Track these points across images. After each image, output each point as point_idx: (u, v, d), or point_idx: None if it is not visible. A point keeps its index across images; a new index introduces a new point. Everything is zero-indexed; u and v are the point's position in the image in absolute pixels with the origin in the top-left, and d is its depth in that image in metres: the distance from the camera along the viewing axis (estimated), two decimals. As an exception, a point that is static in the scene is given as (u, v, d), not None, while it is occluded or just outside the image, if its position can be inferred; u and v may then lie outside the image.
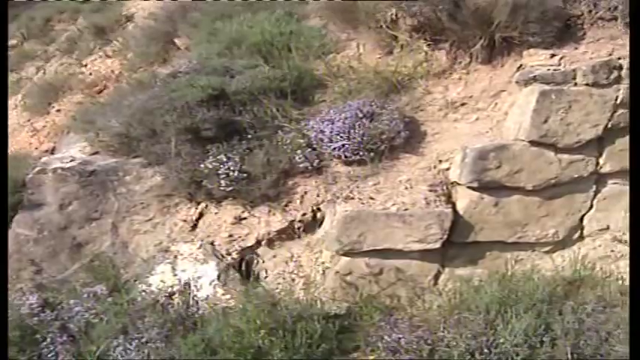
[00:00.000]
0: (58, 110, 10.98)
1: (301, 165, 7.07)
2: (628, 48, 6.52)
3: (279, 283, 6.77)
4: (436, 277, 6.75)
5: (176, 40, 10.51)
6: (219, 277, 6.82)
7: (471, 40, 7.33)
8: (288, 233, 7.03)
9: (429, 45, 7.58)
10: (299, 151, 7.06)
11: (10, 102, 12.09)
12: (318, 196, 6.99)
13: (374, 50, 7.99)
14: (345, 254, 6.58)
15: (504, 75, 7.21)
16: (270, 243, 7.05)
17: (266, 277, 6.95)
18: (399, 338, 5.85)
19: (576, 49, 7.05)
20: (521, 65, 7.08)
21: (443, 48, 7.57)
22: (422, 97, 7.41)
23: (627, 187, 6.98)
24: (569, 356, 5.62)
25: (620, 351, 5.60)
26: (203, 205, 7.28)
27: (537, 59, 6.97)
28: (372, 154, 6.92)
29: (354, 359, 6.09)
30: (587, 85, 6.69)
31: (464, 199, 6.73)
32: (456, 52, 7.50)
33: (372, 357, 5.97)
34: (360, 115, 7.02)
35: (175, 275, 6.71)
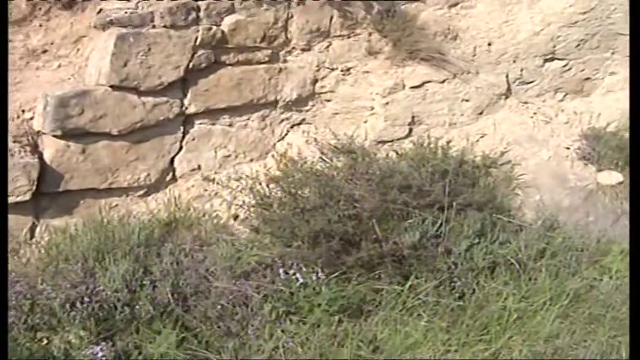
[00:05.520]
0: None
1: None
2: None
3: None
4: (32, 230, 6.56)
5: None
6: None
7: (55, -15, 7.10)
8: None
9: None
10: None
11: None
12: None
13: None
14: None
15: (85, 20, 7.04)
16: None
17: None
18: (-5, 296, 5.68)
19: (153, -9, 7.11)
20: (101, 9, 6.96)
21: (24, -6, 7.24)
22: (2, 46, 7.05)
23: (215, 127, 7.29)
24: (170, 296, 5.77)
25: (220, 287, 5.86)
26: None
27: (116, 3, 6.90)
28: (-55, 108, 6.48)
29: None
30: (165, 27, 6.75)
31: (50, 149, 6.55)
32: (36, -2, 7.21)
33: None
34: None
35: None
